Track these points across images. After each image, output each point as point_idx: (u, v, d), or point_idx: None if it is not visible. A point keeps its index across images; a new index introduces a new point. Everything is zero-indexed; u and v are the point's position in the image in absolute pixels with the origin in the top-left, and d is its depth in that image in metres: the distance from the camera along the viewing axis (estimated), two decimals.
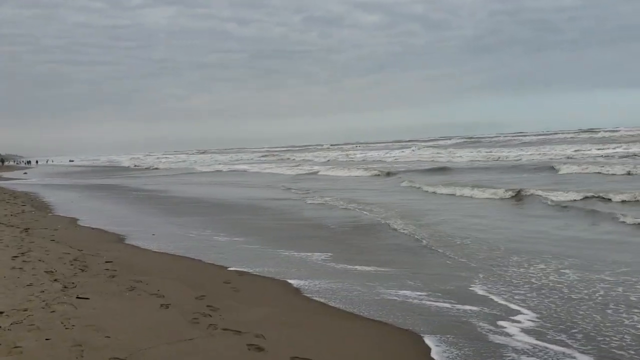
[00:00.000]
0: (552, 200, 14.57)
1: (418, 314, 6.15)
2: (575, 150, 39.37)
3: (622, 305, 6.16)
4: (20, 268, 8.08)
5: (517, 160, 35.71)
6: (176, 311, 6.13)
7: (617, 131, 61.02)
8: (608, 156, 33.07)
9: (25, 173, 57.38)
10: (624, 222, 11.19)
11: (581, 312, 5.98)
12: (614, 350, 4.98)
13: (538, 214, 13.61)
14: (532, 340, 5.28)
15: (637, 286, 6.87)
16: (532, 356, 4.93)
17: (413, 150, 58.88)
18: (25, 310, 5.92)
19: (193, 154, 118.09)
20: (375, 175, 30.60)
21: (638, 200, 13.61)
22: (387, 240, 10.86)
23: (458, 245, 9.87)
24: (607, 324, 5.61)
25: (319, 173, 35.82)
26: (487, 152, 45.73)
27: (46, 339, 5.01)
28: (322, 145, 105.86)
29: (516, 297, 6.65)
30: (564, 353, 4.97)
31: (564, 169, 24.34)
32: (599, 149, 38.46)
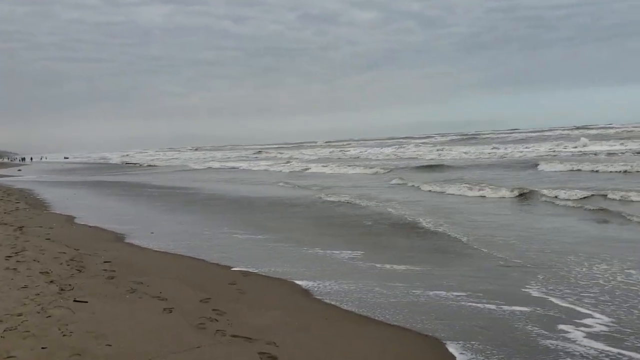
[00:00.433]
0: (558, 199, 14.19)
1: (445, 318, 5.80)
2: (564, 147, 39.30)
3: None
4: (14, 269, 7.70)
5: (502, 157, 35.58)
6: (180, 315, 5.78)
7: (610, 128, 61.29)
8: (595, 153, 32.94)
9: (20, 170, 56.77)
10: None
11: None
12: None
13: (557, 213, 12.85)
14: (602, 347, 4.89)
15: None
16: None
17: (397, 148, 58.29)
18: (20, 315, 5.56)
19: (187, 151, 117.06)
20: (375, 173, 30.15)
21: None
22: (422, 239, 10.33)
23: (503, 245, 9.29)
24: None
25: (313, 170, 35.18)
26: (477, 149, 45.24)
27: (42, 348, 4.65)
28: (315, 142, 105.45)
29: (585, 299, 6.19)
30: None
31: (544, 166, 24.64)
32: (578, 147, 38.53)
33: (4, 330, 5.06)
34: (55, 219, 13.92)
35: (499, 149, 43.33)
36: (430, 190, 18.58)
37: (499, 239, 9.79)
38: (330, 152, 63.80)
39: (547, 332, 5.29)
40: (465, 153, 42.22)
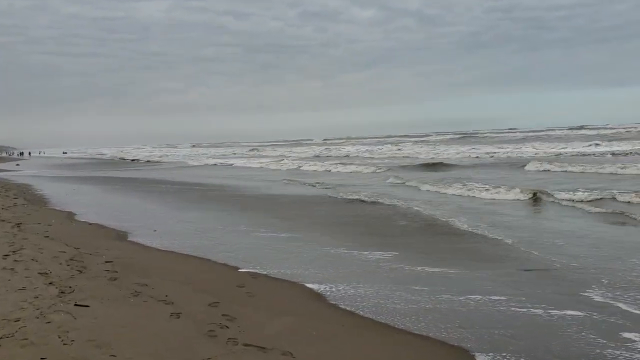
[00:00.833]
0: (574, 202, 13.69)
1: (476, 325, 5.43)
2: (562, 148, 38.96)
3: None
4: (11, 269, 7.34)
5: (490, 157, 35.27)
6: (189, 321, 5.42)
7: (605, 128, 61.22)
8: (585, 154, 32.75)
9: (18, 165, 56.31)
10: None
11: None
12: None
13: (578, 215, 12.22)
14: None
15: None
16: None
17: (393, 146, 57.78)
18: (18, 320, 5.20)
19: (183, 147, 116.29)
20: (373, 171, 29.55)
21: None
22: (460, 239, 9.87)
23: (551, 247, 8.82)
24: None
25: (307, 169, 34.56)
26: (471, 148, 44.80)
27: (41, 359, 4.29)
28: (312, 140, 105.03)
29: None
30: None
31: (530, 166, 24.60)
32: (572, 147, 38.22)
33: (1, 338, 4.71)
34: (55, 216, 13.55)
35: (503, 147, 43.03)
36: (442, 192, 17.55)
37: (545, 241, 9.30)
38: (325, 149, 63.15)
39: (605, 340, 4.93)
40: (458, 153, 41.73)
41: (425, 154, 43.03)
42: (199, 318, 5.53)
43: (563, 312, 5.67)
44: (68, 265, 7.81)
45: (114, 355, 4.42)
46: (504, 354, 4.71)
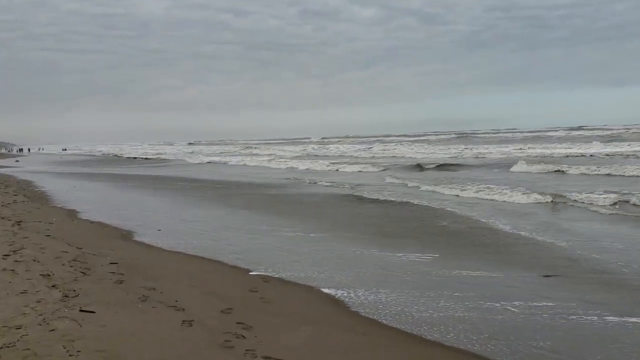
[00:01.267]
0: (594, 205, 13.11)
1: (510, 336, 5.07)
2: (567, 148, 38.51)
3: None
4: (12, 270, 6.98)
5: (481, 158, 34.77)
6: (202, 330, 5.07)
7: (604, 129, 60.96)
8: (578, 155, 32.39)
9: (17, 161, 55.93)
10: None
11: None
12: None
13: (611, 220, 11.50)
14: None
15: None
16: None
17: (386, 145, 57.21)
18: (19, 327, 4.85)
19: (180, 145, 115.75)
20: (379, 170, 29.16)
21: None
22: (510, 242, 9.30)
23: (615, 251, 8.29)
24: None
25: (305, 167, 34.05)
26: (466, 148, 44.22)
27: None
28: (309, 138, 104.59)
29: None
30: None
31: (517, 168, 24.33)
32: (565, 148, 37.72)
33: (1, 348, 4.36)
34: (56, 213, 13.19)
35: (504, 147, 42.63)
36: (461, 195, 16.20)
37: (605, 246, 8.72)
38: (323, 148, 62.61)
39: None
40: (454, 153, 41.27)
41: (427, 154, 42.50)
42: (212, 326, 5.19)
43: (623, 319, 5.31)
44: (71, 266, 7.46)
45: None
46: None
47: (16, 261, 7.54)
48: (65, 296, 5.92)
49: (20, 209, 13.80)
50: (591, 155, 30.63)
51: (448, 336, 5.12)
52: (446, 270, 7.43)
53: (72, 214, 13.26)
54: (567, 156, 31.52)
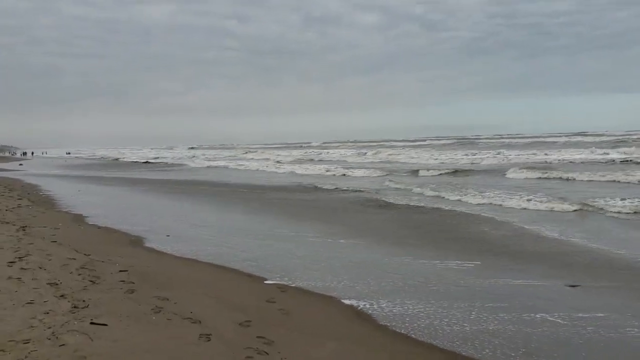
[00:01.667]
0: (622, 213, 12.58)
1: (554, 353, 4.72)
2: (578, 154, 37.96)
3: None
4: (18, 278, 6.67)
5: (474, 163, 34.53)
6: (221, 345, 4.75)
7: (603, 135, 60.36)
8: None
9: (21, 164, 55.75)
10: None
11: None
12: None
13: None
14: None
15: None
16: None
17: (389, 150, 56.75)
18: (27, 342, 4.53)
19: (182, 149, 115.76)
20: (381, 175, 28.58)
21: None
22: (572, 252, 8.67)
23: None
24: None
25: (301, 171, 33.70)
26: (464, 154, 43.69)
27: None
28: (309, 142, 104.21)
29: None
30: None
31: (511, 174, 24.13)
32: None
33: None
34: (61, 218, 12.89)
35: (507, 152, 42.14)
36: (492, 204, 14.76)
37: None
38: (324, 152, 62.20)
39: None
40: (464, 159, 40.93)
41: (432, 159, 42.06)
42: (232, 341, 4.86)
43: None
44: (79, 274, 7.14)
45: None
46: None
47: (22, 268, 7.23)
48: (75, 307, 5.60)
49: (25, 214, 13.51)
50: (612, 161, 30.13)
51: (484, 352, 4.79)
52: (480, 279, 7.10)
53: (79, 218, 12.96)
54: (571, 162, 31.16)
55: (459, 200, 15.55)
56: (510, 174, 24.09)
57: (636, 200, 13.49)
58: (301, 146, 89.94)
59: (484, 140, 68.09)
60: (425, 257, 8.42)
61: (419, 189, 18.49)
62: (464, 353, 4.80)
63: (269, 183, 24.76)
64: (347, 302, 6.28)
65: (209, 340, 4.85)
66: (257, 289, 6.84)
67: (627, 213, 12.42)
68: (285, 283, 7.12)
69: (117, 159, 70.65)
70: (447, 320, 5.58)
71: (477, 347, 4.88)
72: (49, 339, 4.62)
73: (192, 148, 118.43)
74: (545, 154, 37.76)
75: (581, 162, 30.23)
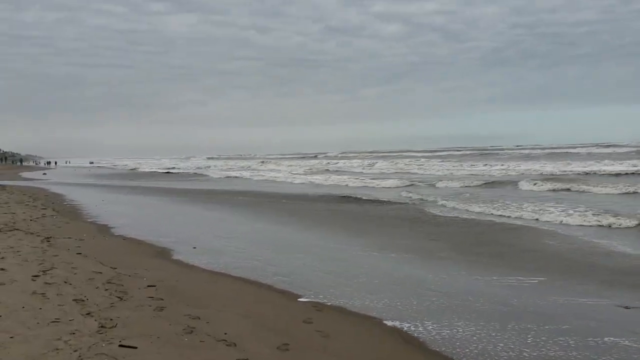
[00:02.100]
0: None
1: None
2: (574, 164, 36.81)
3: None
4: (42, 294, 6.38)
5: (481, 172, 33.95)
6: None
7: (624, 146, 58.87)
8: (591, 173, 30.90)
9: (45, 174, 56.36)
10: None
11: None
12: None
13: None
14: None
15: None
16: None
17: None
18: None
19: (199, 159, 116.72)
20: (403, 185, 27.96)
21: None
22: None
23: None
24: None
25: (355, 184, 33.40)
26: (484, 164, 42.68)
27: None
28: (325, 153, 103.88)
29: None
30: None
31: (525, 186, 23.62)
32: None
33: None
34: (86, 229, 12.68)
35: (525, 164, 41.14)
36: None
37: None
38: (345, 162, 61.81)
39: None
40: (499, 170, 40.23)
41: (455, 169, 41.32)
42: None
43: None
44: (106, 289, 6.83)
45: None
46: None
47: (46, 283, 6.95)
48: (102, 326, 5.27)
49: (49, 224, 13.34)
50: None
51: None
52: (538, 298, 6.63)
53: (103, 229, 12.73)
54: (595, 173, 30.25)
55: (492, 212, 15.00)
56: (540, 186, 23.36)
57: None
58: (315, 156, 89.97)
59: (507, 151, 67.02)
60: (477, 274, 7.97)
61: (446, 201, 17.97)
62: None
63: (291, 192, 24.41)
64: (389, 323, 5.84)
65: None
66: (292, 308, 6.45)
67: None
68: (320, 301, 6.72)
69: (134, 169, 70.92)
70: (502, 345, 5.11)
71: None
72: None
73: (210, 158, 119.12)
74: (569, 164, 37.00)
75: (615, 174, 29.32)
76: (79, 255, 9.17)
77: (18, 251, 9.22)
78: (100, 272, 7.82)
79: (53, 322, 5.34)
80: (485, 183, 26.03)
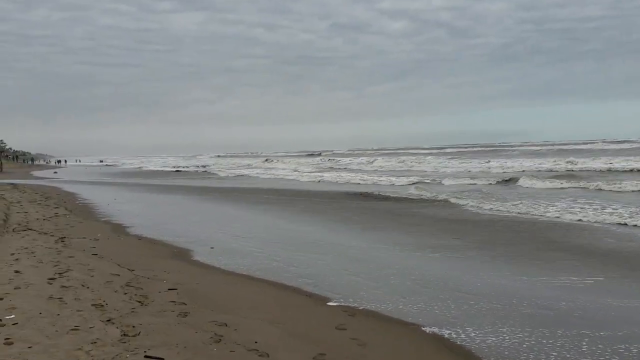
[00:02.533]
0: None
1: None
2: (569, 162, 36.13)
3: None
4: (59, 298, 6.07)
5: (486, 169, 33.41)
6: None
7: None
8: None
9: (56, 172, 56.40)
10: None
11: None
12: None
13: None
14: None
15: None
16: None
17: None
18: None
19: (207, 157, 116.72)
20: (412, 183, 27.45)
21: None
22: None
23: None
24: None
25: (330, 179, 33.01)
26: (497, 161, 42.15)
27: None
28: (332, 150, 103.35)
29: None
30: None
31: (523, 182, 23.55)
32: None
33: None
34: (100, 228, 12.39)
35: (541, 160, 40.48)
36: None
37: None
38: (351, 160, 61.27)
39: None
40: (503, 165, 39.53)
41: (467, 166, 40.76)
42: None
43: None
44: (125, 293, 6.51)
45: None
46: None
47: (63, 286, 6.64)
48: (124, 334, 4.94)
49: (62, 223, 13.08)
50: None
51: None
52: (590, 300, 6.23)
53: (118, 228, 12.43)
54: (609, 170, 29.67)
55: (530, 211, 14.55)
56: (522, 182, 23.05)
57: None
58: (320, 154, 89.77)
59: (518, 148, 66.23)
60: (520, 274, 7.61)
61: (459, 199, 17.52)
62: None
63: (302, 189, 24.05)
64: (428, 330, 5.47)
65: None
66: (322, 313, 6.09)
67: None
68: (350, 305, 6.35)
69: (139, 167, 70.68)
70: (555, 354, 4.72)
71: None
72: None
73: (218, 156, 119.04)
74: (575, 162, 36.39)
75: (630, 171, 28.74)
76: (94, 257, 8.87)
77: (32, 252, 8.94)
78: (118, 275, 7.50)
79: (73, 330, 5.02)
80: (499, 181, 25.53)
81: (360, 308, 6.24)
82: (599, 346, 4.83)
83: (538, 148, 61.43)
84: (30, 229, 11.83)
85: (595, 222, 12.29)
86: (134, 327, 5.17)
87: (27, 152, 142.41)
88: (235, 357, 4.54)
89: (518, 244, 9.99)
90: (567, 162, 36.21)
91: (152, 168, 68.12)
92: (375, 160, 55.65)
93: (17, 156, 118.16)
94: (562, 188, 20.89)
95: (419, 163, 47.61)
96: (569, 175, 26.08)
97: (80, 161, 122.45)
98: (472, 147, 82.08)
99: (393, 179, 28.94)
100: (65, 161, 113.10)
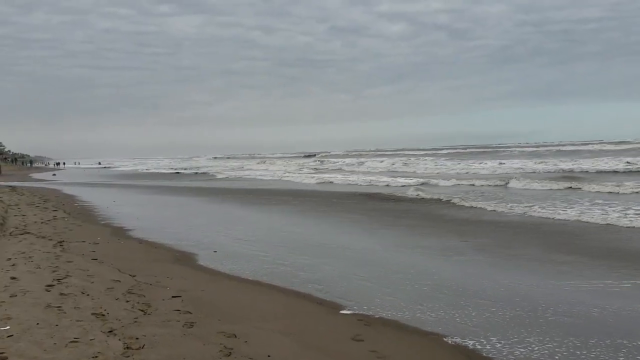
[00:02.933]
0: None
1: None
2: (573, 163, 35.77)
3: None
4: (58, 307, 5.73)
5: (476, 171, 33.11)
6: None
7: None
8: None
9: (54, 175, 56.01)
10: None
11: None
12: None
13: None
14: None
15: None
16: None
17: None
18: None
19: (206, 159, 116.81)
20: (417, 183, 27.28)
21: None
22: None
23: None
24: None
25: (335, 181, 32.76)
26: (498, 163, 41.69)
27: None
28: (329, 152, 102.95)
29: None
30: None
31: (514, 184, 23.33)
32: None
33: None
34: (99, 232, 12.04)
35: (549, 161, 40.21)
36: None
37: None
38: (354, 161, 60.91)
39: None
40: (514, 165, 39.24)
41: (468, 167, 40.44)
42: None
43: None
44: (127, 301, 6.18)
45: None
46: None
47: (62, 294, 6.30)
48: (128, 347, 4.61)
49: (61, 227, 12.73)
50: None
51: None
52: (621, 307, 5.90)
53: (118, 232, 12.09)
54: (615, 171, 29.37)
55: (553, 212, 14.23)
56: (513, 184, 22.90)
57: None
58: (314, 155, 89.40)
59: (518, 149, 65.85)
60: (546, 278, 7.30)
61: (465, 200, 17.21)
62: None
63: (301, 190, 23.72)
64: (449, 340, 5.14)
65: None
66: (335, 322, 5.76)
67: None
68: (365, 313, 6.03)
69: (138, 170, 70.27)
70: None
71: None
72: None
73: (216, 158, 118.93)
74: (577, 161, 36.10)
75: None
76: (94, 261, 8.54)
77: (30, 257, 8.59)
78: (119, 281, 7.17)
79: (72, 342, 4.68)
80: (504, 182, 25.24)
81: (376, 317, 5.91)
82: (638, 357, 4.51)
83: (538, 149, 61.07)
84: (28, 233, 11.49)
85: (622, 225, 11.69)
86: (137, 339, 4.84)
87: (26, 155, 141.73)
88: None
89: (533, 245, 9.67)
90: (573, 163, 35.89)
91: (150, 170, 67.73)
92: (373, 161, 55.38)
93: (16, 158, 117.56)
94: (560, 189, 20.53)
95: (421, 164, 47.24)
96: (571, 177, 25.76)
97: (79, 163, 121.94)
98: (473, 148, 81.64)
99: (399, 179, 28.61)
100: (64, 163, 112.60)
